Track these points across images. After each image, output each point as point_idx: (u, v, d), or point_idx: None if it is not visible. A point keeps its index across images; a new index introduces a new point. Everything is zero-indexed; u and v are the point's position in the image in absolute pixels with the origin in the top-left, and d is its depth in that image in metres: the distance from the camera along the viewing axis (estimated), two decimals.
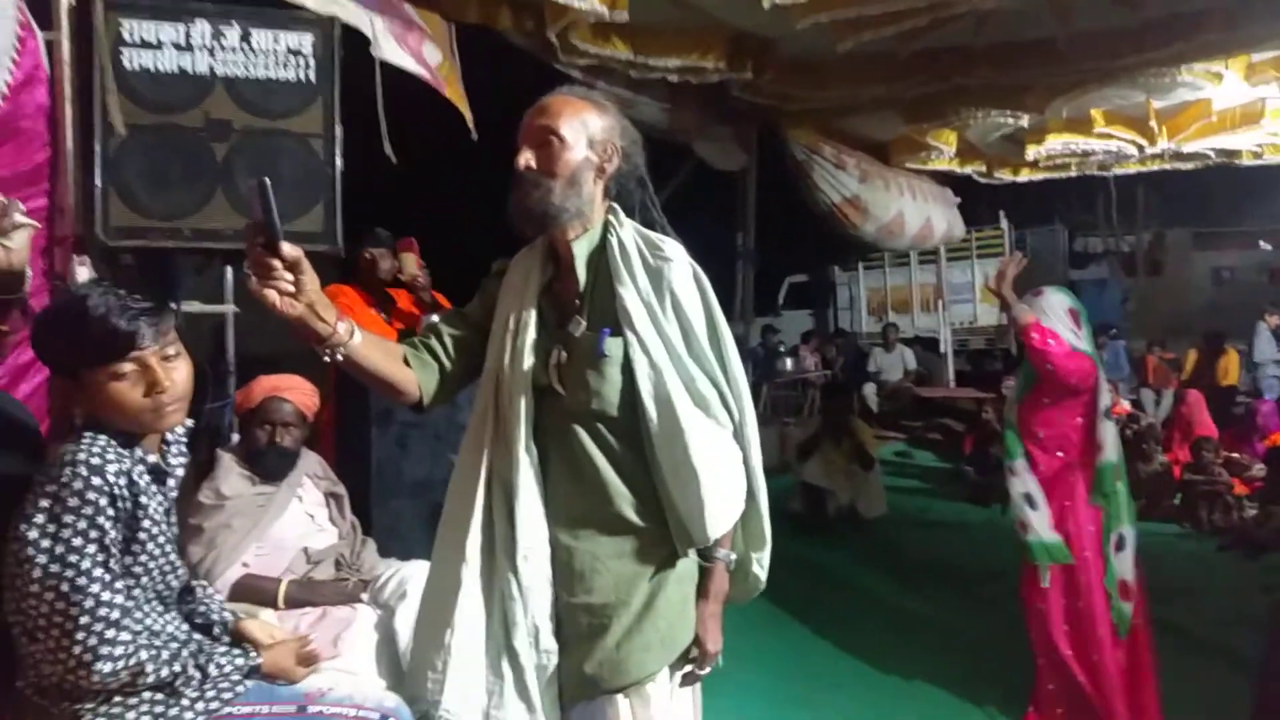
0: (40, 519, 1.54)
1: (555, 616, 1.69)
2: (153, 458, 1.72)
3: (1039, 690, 3.30)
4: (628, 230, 1.73)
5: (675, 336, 1.68)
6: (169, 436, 1.81)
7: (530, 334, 1.71)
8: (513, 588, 1.65)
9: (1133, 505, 3.33)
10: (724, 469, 1.69)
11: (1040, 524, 3.23)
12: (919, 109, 6.41)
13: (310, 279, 1.45)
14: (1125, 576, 3.22)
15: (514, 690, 1.64)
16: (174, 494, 1.81)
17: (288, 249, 1.41)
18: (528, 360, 1.70)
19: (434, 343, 1.77)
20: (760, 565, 1.85)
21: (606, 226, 1.73)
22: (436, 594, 1.71)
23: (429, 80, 3.59)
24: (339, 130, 2.96)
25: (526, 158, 1.66)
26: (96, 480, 1.56)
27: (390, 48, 3.35)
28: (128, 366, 1.61)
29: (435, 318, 2.01)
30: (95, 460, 1.57)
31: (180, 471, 1.84)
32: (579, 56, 4.66)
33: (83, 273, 2.83)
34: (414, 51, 3.52)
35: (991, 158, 7.95)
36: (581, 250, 1.71)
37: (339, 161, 2.96)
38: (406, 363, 1.71)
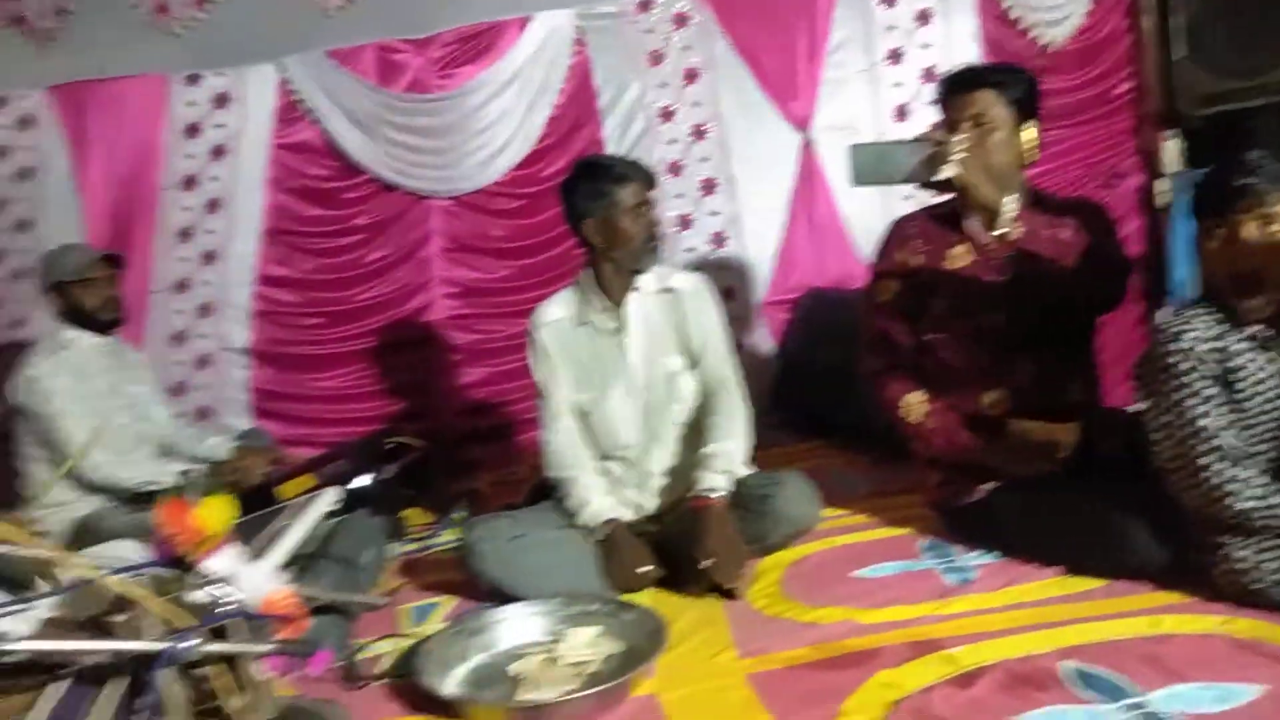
0: (1143, 379, 1.80)
1: None
2: (1254, 329, 1.73)
3: None
4: None
5: None
6: None
7: None
8: None
9: None
10: None
11: None
12: None
13: None
14: None
15: None
16: None
17: None
18: None
19: None
20: None
21: None
22: None
23: None
24: None
25: None
26: (1173, 346, 1.73)
27: None
28: (1248, 220, 1.68)
29: None
30: (1174, 330, 1.75)
31: None
32: None
33: (1170, 147, 2.96)
34: None
35: None
36: None
37: None
38: None
